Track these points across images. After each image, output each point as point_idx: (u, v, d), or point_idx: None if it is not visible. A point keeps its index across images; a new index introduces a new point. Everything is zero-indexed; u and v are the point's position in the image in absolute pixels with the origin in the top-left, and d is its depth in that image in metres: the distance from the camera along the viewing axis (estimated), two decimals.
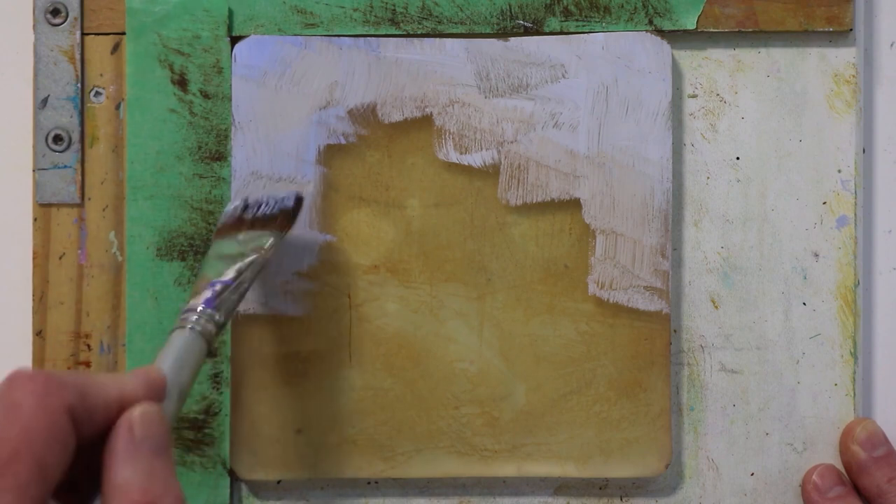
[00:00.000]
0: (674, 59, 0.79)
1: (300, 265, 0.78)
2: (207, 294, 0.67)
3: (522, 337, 0.78)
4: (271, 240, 0.72)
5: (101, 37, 0.79)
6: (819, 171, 0.79)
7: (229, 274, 0.69)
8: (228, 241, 0.72)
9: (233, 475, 0.78)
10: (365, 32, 0.78)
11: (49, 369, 0.77)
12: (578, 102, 0.78)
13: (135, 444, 0.56)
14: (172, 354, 0.63)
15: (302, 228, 0.78)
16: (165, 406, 0.60)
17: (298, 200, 0.75)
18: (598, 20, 0.78)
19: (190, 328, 0.65)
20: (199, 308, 0.66)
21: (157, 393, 0.60)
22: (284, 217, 0.74)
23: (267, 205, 0.74)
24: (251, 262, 0.70)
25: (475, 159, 0.78)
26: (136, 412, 0.57)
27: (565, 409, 0.78)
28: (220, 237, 0.73)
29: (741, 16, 0.78)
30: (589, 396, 0.78)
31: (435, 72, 0.78)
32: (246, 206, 0.74)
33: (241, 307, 0.77)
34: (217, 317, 0.67)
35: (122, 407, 0.57)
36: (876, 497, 0.76)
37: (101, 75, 0.79)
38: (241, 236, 0.72)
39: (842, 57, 0.79)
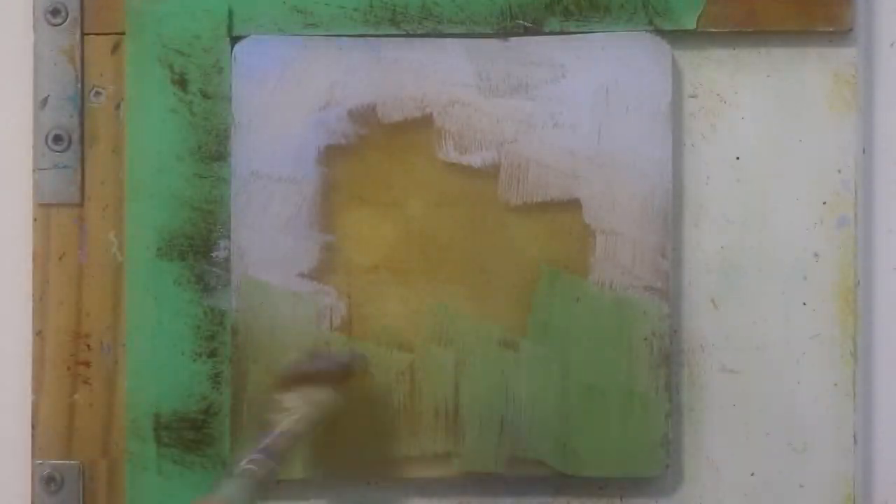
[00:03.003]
0: (674, 59, 0.79)
1: (300, 265, 0.78)
2: (260, 443, 0.71)
3: None
4: (328, 395, 0.74)
5: (101, 37, 0.79)
6: (819, 171, 0.79)
7: (283, 425, 0.72)
8: (288, 394, 0.74)
9: None
10: (365, 32, 0.78)
11: None
12: (578, 102, 0.78)
13: None
14: (225, 494, 0.68)
15: (302, 228, 0.78)
16: None
17: (357, 359, 0.77)
18: (598, 20, 0.78)
19: (239, 473, 0.69)
20: (251, 456, 0.70)
21: None
22: (342, 373, 0.76)
23: (327, 360, 0.77)
24: (306, 415, 0.73)
25: (475, 159, 0.78)
26: None
27: (566, 409, 0.78)
28: (282, 390, 0.75)
29: (741, 16, 0.78)
30: (589, 396, 0.78)
31: (435, 72, 0.78)
32: (307, 361, 0.76)
33: (241, 306, 0.77)
34: (269, 462, 0.70)
35: None
36: None
37: (101, 75, 0.79)
38: (302, 390, 0.74)
39: (842, 57, 0.79)
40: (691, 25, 0.78)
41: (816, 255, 0.79)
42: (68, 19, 0.79)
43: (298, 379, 0.75)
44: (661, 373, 0.78)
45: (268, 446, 0.71)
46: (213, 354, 0.78)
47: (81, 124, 0.79)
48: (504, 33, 0.78)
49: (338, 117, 0.78)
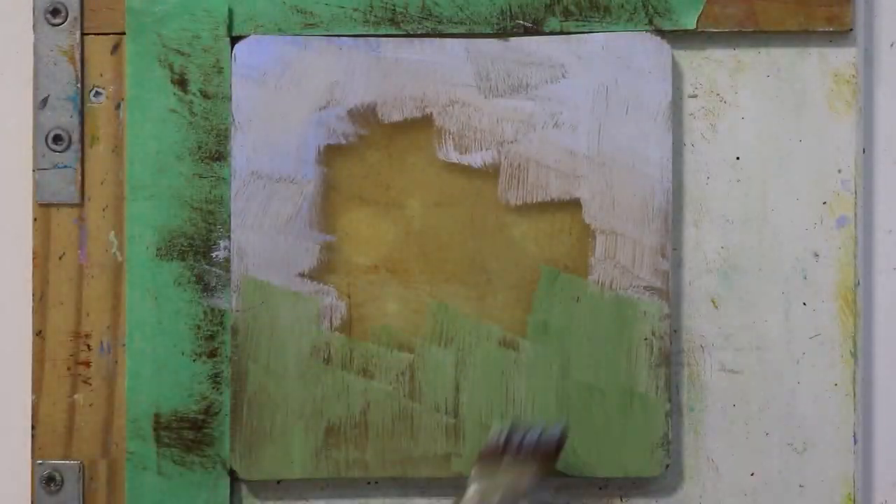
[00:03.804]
0: (674, 59, 0.79)
1: (300, 265, 0.78)
2: None
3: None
4: (530, 478, 0.72)
5: (100, 37, 0.79)
6: (819, 171, 0.79)
7: None
8: (489, 475, 0.73)
9: (233, 475, 0.78)
10: (365, 32, 0.78)
11: None
12: (578, 102, 0.78)
13: None
14: None
15: (302, 228, 0.78)
16: None
17: (563, 436, 0.74)
18: (598, 20, 0.78)
19: None
20: None
21: None
22: (546, 453, 0.73)
23: (530, 436, 0.73)
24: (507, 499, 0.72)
25: (475, 159, 0.78)
26: None
27: (566, 409, 0.78)
28: (482, 467, 0.73)
29: (741, 16, 0.78)
30: (590, 396, 0.78)
31: (435, 72, 0.78)
32: (509, 437, 0.73)
33: (241, 306, 0.78)
34: None
35: None
36: None
37: (101, 75, 0.79)
38: (502, 469, 0.73)
39: (842, 57, 0.79)
40: (691, 25, 0.78)
41: (816, 255, 0.79)
42: (68, 19, 0.79)
43: (499, 457, 0.73)
44: (661, 373, 0.78)
45: None
46: (213, 354, 0.78)
47: (81, 124, 0.79)
48: (504, 33, 0.78)
49: (338, 117, 0.78)
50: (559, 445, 0.74)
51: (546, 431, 0.73)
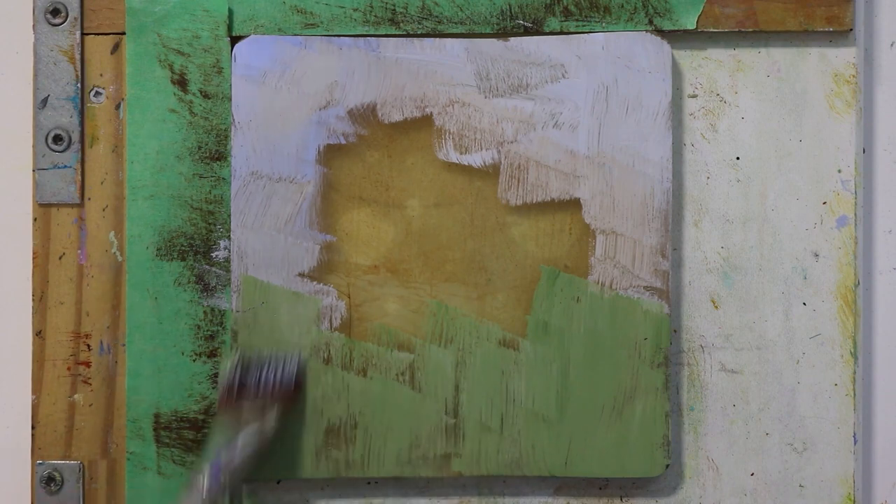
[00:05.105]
0: (674, 59, 0.79)
1: (300, 265, 0.78)
2: (209, 475, 0.73)
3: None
4: (272, 413, 0.75)
5: (100, 37, 0.79)
6: (819, 171, 0.79)
7: (225, 454, 0.74)
8: (228, 413, 0.75)
9: None
10: (365, 32, 0.78)
11: None
12: (578, 102, 0.78)
13: None
14: None
15: (302, 228, 0.78)
16: None
17: (301, 373, 0.77)
18: (598, 20, 0.78)
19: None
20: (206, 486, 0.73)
21: None
22: (286, 392, 0.76)
23: (266, 376, 0.76)
24: (249, 435, 0.74)
25: (475, 159, 0.78)
26: None
27: (566, 409, 0.78)
28: (222, 415, 0.75)
29: (741, 16, 0.78)
30: (590, 396, 0.78)
31: (435, 72, 0.78)
32: (243, 380, 0.75)
33: (241, 307, 0.77)
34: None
35: None
36: None
37: (101, 75, 0.79)
38: (244, 414, 0.75)
39: (842, 57, 0.79)
40: (691, 25, 0.78)
41: (816, 255, 0.79)
42: (68, 19, 0.79)
43: (238, 395, 0.75)
44: (661, 373, 0.78)
45: (215, 479, 0.72)
46: (213, 354, 0.78)
47: (81, 124, 0.79)
48: (504, 33, 0.78)
49: (338, 117, 0.78)
50: (298, 384, 0.76)
51: (282, 370, 0.76)
